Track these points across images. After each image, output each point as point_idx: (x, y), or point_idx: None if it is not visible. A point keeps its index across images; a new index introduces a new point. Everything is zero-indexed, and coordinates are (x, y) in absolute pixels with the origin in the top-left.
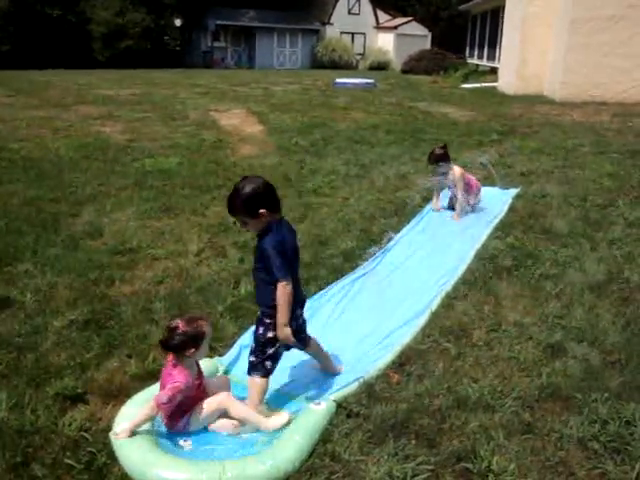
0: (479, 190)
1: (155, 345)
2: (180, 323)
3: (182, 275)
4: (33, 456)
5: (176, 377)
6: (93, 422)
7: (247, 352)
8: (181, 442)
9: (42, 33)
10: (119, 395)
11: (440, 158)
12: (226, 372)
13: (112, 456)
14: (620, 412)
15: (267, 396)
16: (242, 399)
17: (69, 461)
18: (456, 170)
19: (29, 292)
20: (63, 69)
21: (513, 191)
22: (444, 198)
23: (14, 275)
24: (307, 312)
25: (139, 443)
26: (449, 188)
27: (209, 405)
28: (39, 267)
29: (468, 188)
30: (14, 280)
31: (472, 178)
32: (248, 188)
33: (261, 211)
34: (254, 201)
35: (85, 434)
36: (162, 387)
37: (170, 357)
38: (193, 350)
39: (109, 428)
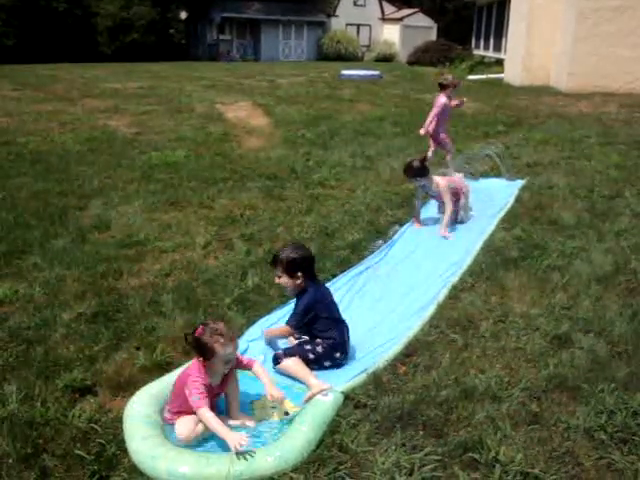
0: (468, 191)
1: (163, 337)
2: (201, 328)
3: (189, 267)
4: (44, 447)
5: (193, 371)
6: (102, 414)
7: (255, 347)
8: None
9: (48, 27)
10: (128, 387)
11: (418, 173)
12: None
13: (122, 447)
14: (627, 402)
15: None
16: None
17: (79, 452)
18: (440, 182)
19: (38, 285)
20: (69, 63)
21: (519, 182)
22: (430, 208)
23: (23, 268)
24: None
25: (148, 436)
26: (433, 197)
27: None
28: (47, 260)
29: (457, 192)
30: (23, 273)
31: (457, 181)
32: (295, 252)
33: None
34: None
35: (95, 425)
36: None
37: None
38: (202, 359)
39: (118, 420)
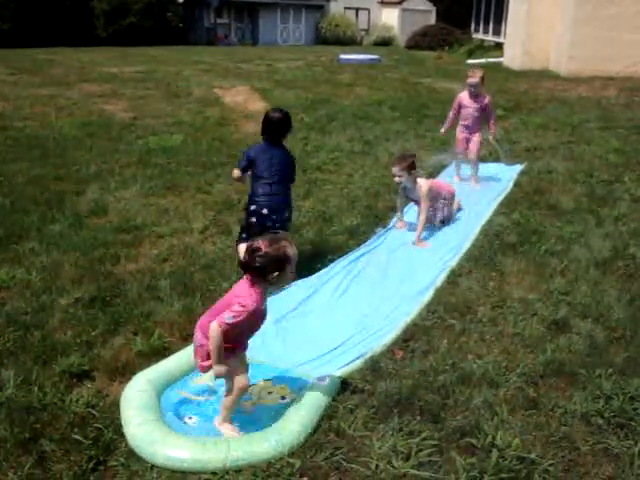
0: (453, 197)
1: (160, 322)
2: (262, 244)
3: (187, 252)
4: (41, 432)
5: (246, 297)
6: (100, 398)
7: None
8: (186, 418)
9: (44, 10)
10: (125, 372)
11: (412, 165)
12: None
13: (119, 432)
14: (624, 388)
15: (273, 374)
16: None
17: (77, 437)
18: (423, 185)
19: (35, 270)
20: (65, 47)
21: (518, 167)
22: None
23: (20, 253)
24: (311, 289)
25: (145, 421)
26: (413, 200)
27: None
28: (44, 245)
29: (437, 200)
30: (20, 258)
31: (443, 186)
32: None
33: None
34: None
35: (92, 410)
36: (224, 307)
37: (247, 277)
38: (276, 274)
39: (116, 404)
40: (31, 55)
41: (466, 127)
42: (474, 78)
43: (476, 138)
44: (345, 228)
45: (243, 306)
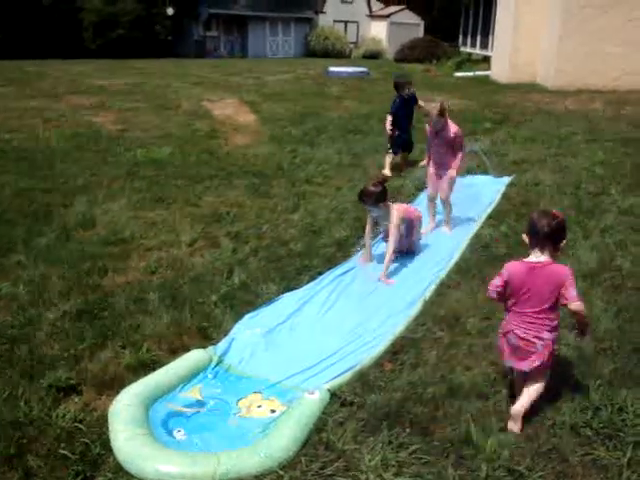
0: (420, 222)
1: (149, 335)
2: (555, 211)
3: (175, 265)
4: (28, 447)
5: (567, 268)
6: (87, 413)
7: (237, 345)
8: (175, 432)
9: (33, 22)
10: (113, 386)
11: (379, 198)
12: (219, 361)
13: (106, 446)
14: (612, 399)
15: (262, 387)
16: (229, 390)
17: (64, 452)
18: (395, 213)
19: (22, 283)
20: (54, 59)
21: (506, 179)
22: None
23: (6, 266)
24: (300, 301)
25: (133, 435)
26: (384, 229)
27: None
28: (31, 258)
29: (410, 227)
30: (6, 271)
31: (412, 211)
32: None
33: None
34: None
35: (79, 425)
36: (548, 296)
37: (548, 260)
38: (565, 241)
39: (103, 418)
40: (20, 67)
41: (435, 163)
42: (431, 115)
43: (447, 177)
44: (334, 240)
45: (572, 275)
